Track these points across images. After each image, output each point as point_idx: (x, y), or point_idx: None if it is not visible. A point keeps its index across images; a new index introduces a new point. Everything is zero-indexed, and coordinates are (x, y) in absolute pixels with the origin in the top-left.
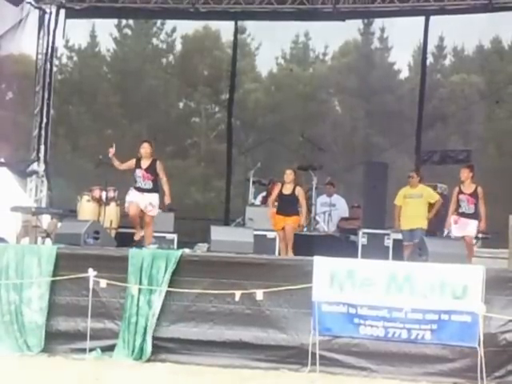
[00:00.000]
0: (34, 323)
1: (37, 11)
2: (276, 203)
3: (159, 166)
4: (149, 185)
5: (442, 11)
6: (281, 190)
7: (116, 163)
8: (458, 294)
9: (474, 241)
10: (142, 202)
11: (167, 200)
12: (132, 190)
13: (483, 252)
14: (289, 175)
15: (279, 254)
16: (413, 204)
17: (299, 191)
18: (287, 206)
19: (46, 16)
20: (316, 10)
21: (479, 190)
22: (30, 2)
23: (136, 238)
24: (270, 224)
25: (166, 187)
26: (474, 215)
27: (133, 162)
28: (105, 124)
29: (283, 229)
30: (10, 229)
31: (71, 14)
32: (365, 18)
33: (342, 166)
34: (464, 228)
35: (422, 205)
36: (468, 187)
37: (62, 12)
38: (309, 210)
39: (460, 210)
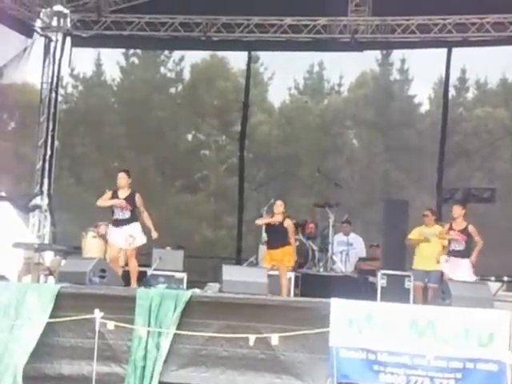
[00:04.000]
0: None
1: (42, 39)
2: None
3: (139, 200)
4: (127, 215)
5: (465, 43)
6: (269, 222)
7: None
8: (484, 340)
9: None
10: (121, 239)
11: (154, 235)
12: (110, 228)
13: (508, 296)
14: (279, 206)
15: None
16: (429, 244)
17: (288, 223)
18: (276, 237)
19: (52, 44)
20: (333, 40)
21: (470, 227)
22: (35, 30)
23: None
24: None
25: (149, 222)
26: (465, 252)
27: (108, 195)
28: (110, 156)
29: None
30: (12, 266)
31: (78, 42)
32: (384, 49)
33: (359, 202)
34: (454, 269)
35: (439, 245)
36: (459, 224)
37: (68, 40)
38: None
39: (450, 248)
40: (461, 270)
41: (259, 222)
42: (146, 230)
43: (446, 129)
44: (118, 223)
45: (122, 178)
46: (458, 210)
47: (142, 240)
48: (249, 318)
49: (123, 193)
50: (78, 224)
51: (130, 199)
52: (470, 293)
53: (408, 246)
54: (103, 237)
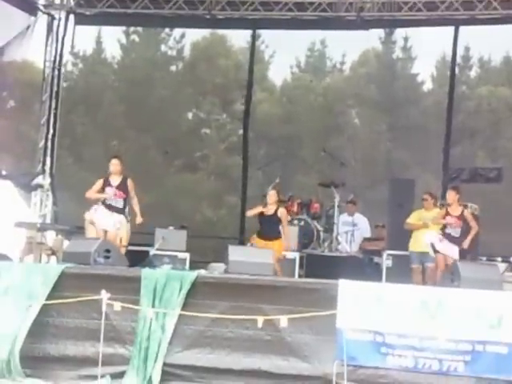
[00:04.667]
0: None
1: (45, 17)
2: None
3: (130, 185)
4: (120, 203)
5: (473, 21)
6: (262, 212)
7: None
8: (494, 322)
9: None
10: (109, 222)
11: (138, 220)
12: (100, 207)
13: None
14: (272, 196)
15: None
16: (427, 229)
17: (282, 212)
18: (269, 228)
19: (55, 22)
20: (339, 18)
21: (466, 212)
22: (38, 8)
23: None
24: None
25: (136, 207)
26: (459, 240)
27: (100, 183)
28: (110, 135)
29: None
30: (14, 245)
31: (81, 20)
32: (390, 27)
33: (362, 182)
34: (447, 249)
35: (437, 229)
36: (455, 209)
37: (72, 18)
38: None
39: (446, 231)
40: (454, 251)
41: (250, 213)
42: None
43: (452, 107)
44: (111, 208)
45: (116, 165)
46: (452, 195)
47: (124, 233)
48: (255, 299)
49: (115, 179)
50: (78, 204)
51: (122, 186)
52: (480, 274)
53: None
54: None
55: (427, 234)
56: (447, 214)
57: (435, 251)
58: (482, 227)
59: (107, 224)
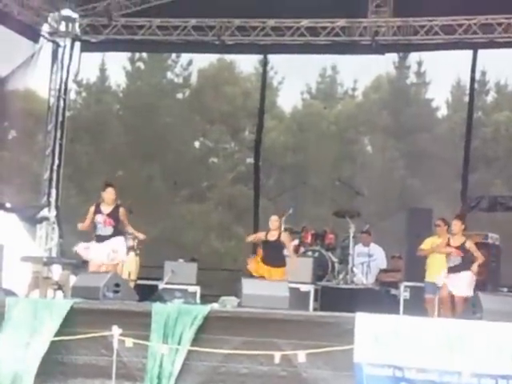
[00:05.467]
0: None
1: (50, 45)
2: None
3: (122, 213)
4: (109, 231)
5: (491, 44)
6: (266, 237)
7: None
8: None
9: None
10: (103, 254)
11: (141, 236)
12: (91, 244)
13: None
14: (274, 222)
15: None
16: (441, 255)
17: (285, 237)
18: (273, 254)
19: (60, 50)
20: (353, 43)
21: (468, 243)
22: (43, 36)
23: None
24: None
25: (132, 230)
26: (462, 266)
27: (92, 210)
28: (115, 165)
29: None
30: (19, 280)
31: (86, 47)
32: (406, 51)
33: (377, 211)
34: (455, 285)
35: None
36: (456, 240)
37: (77, 45)
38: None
39: (448, 265)
40: (461, 284)
41: (250, 238)
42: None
43: (470, 133)
44: (101, 239)
45: (111, 194)
46: (457, 226)
47: (124, 255)
48: (269, 333)
49: (107, 208)
50: (84, 236)
51: (113, 214)
52: (502, 306)
53: (419, 257)
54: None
55: (439, 274)
56: (448, 244)
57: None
58: (502, 257)
59: (101, 257)
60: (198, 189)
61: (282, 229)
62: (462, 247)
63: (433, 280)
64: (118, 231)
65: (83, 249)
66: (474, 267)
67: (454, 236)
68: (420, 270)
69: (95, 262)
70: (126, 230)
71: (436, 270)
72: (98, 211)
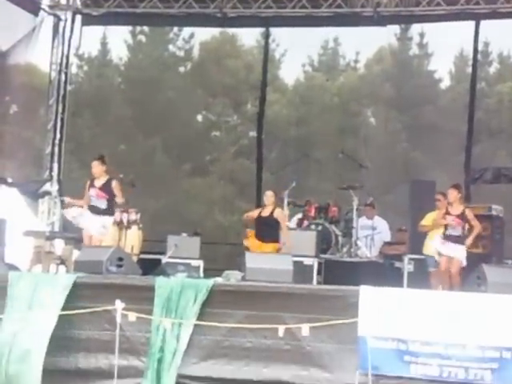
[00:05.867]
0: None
1: (51, 18)
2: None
3: (116, 187)
4: (103, 204)
5: (494, 15)
6: (260, 213)
7: (80, 203)
8: None
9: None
10: (94, 226)
11: (118, 200)
12: (85, 211)
13: None
14: (269, 197)
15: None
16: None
17: (278, 213)
18: (265, 229)
19: (61, 23)
20: (354, 14)
21: (467, 211)
22: (43, 9)
23: None
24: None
25: (121, 200)
26: (461, 239)
27: (87, 185)
28: (117, 139)
29: None
30: (22, 255)
31: (87, 20)
32: (408, 23)
33: (380, 184)
34: (450, 251)
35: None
36: (456, 209)
37: (78, 19)
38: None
39: (447, 233)
40: (459, 255)
41: (247, 215)
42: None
43: (474, 105)
44: (94, 210)
45: (96, 167)
46: (453, 194)
47: (136, 240)
48: (273, 307)
49: (100, 181)
50: None
51: (105, 187)
52: (507, 278)
53: (421, 232)
54: (118, 224)
55: (433, 241)
56: (447, 213)
57: (440, 255)
58: (506, 229)
59: (91, 228)
60: (200, 163)
61: (286, 205)
62: (461, 216)
63: (429, 253)
64: (112, 208)
65: (77, 214)
66: (469, 240)
67: (452, 205)
68: (423, 242)
69: (86, 232)
70: (116, 201)
71: (430, 244)
72: (91, 185)
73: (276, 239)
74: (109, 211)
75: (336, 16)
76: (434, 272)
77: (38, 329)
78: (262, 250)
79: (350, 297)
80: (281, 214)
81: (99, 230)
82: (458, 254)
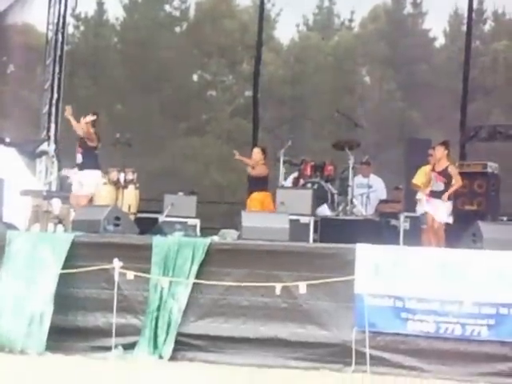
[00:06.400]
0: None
1: None
2: None
3: (87, 129)
4: (79, 159)
5: None
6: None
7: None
8: None
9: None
10: (75, 184)
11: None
12: (75, 174)
13: None
14: (255, 154)
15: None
16: None
17: (259, 170)
18: (251, 187)
19: None
20: None
21: (450, 168)
22: None
23: None
24: None
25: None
26: (441, 194)
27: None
28: (113, 98)
29: None
30: (20, 214)
31: None
32: None
33: (376, 143)
34: (435, 211)
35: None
36: (440, 165)
37: None
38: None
39: (432, 190)
40: (440, 212)
41: (238, 157)
42: None
43: (469, 63)
44: (78, 167)
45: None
46: (440, 151)
47: (88, 189)
48: (270, 265)
49: (80, 133)
50: None
51: (81, 140)
52: (503, 235)
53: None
54: (115, 183)
55: (420, 198)
56: (433, 169)
57: (426, 212)
58: (502, 186)
59: (74, 188)
60: (196, 122)
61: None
62: (444, 172)
63: (421, 210)
64: (90, 160)
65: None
66: (445, 195)
67: (438, 162)
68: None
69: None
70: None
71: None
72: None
73: (257, 188)
74: (85, 165)
75: None
76: (424, 229)
77: (42, 289)
78: (251, 201)
79: (347, 255)
80: (261, 171)
81: (75, 187)
82: (440, 209)
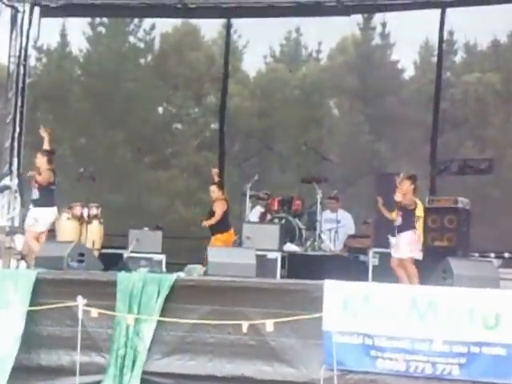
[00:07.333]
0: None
1: (9, 10)
2: None
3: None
4: (35, 195)
5: (459, 2)
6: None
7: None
8: (490, 323)
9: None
10: (28, 220)
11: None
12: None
13: (509, 273)
14: (211, 192)
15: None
16: None
17: (216, 206)
18: (216, 227)
19: (19, 15)
20: (318, 5)
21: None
22: (1, 0)
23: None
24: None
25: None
26: (401, 227)
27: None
28: (77, 132)
29: None
30: None
31: (46, 12)
32: (373, 12)
33: (344, 177)
34: (396, 248)
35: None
36: (405, 199)
37: (36, 10)
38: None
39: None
40: (401, 250)
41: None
42: None
43: (439, 95)
44: (32, 203)
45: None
46: (405, 185)
47: (42, 227)
48: (237, 302)
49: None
50: None
51: (36, 177)
52: (474, 271)
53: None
54: (78, 218)
55: None
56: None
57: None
58: (473, 222)
59: (26, 223)
60: (162, 155)
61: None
62: (400, 206)
63: None
64: (44, 198)
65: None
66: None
67: (404, 196)
68: (388, 235)
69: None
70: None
71: None
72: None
73: (218, 231)
74: (40, 201)
75: (298, 6)
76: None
77: (7, 329)
78: (214, 243)
79: (315, 291)
80: (218, 207)
81: (29, 222)
82: (401, 251)
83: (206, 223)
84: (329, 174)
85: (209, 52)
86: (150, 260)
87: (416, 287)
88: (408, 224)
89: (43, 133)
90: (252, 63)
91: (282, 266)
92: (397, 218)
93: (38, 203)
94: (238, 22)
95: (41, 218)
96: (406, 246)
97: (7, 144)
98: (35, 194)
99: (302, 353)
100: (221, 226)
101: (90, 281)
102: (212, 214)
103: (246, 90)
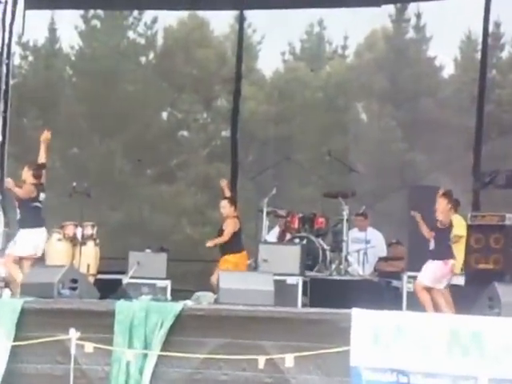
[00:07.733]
0: None
1: None
2: None
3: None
4: (18, 214)
5: None
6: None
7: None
8: None
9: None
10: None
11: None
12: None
13: None
14: (221, 208)
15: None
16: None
17: (226, 224)
18: (221, 245)
19: (1, 7)
20: None
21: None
22: None
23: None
24: None
25: None
26: (432, 254)
27: None
28: (68, 141)
29: None
30: None
31: (31, 4)
32: (407, 1)
33: (373, 191)
34: (424, 272)
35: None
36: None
37: (21, 2)
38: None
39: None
40: (426, 274)
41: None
42: None
43: (483, 96)
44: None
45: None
46: (442, 204)
47: (22, 251)
48: (252, 334)
49: None
50: None
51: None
52: None
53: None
54: (71, 239)
55: None
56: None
57: None
58: None
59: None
60: (166, 167)
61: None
62: (434, 225)
63: None
64: (23, 219)
65: None
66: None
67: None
68: (425, 257)
69: None
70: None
71: None
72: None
73: (230, 251)
74: (23, 222)
75: None
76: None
77: None
78: (224, 265)
79: (341, 321)
80: (229, 225)
81: (9, 245)
82: (423, 271)
83: (211, 243)
84: (356, 188)
85: (219, 49)
86: (152, 286)
87: (457, 317)
88: (440, 251)
89: (43, 138)
90: (268, 62)
91: (304, 293)
92: (431, 240)
93: (20, 224)
94: (252, 15)
95: (21, 239)
96: (432, 273)
97: None
98: (18, 214)
99: None
100: (231, 246)
101: (84, 311)
102: (221, 233)
103: (262, 92)
